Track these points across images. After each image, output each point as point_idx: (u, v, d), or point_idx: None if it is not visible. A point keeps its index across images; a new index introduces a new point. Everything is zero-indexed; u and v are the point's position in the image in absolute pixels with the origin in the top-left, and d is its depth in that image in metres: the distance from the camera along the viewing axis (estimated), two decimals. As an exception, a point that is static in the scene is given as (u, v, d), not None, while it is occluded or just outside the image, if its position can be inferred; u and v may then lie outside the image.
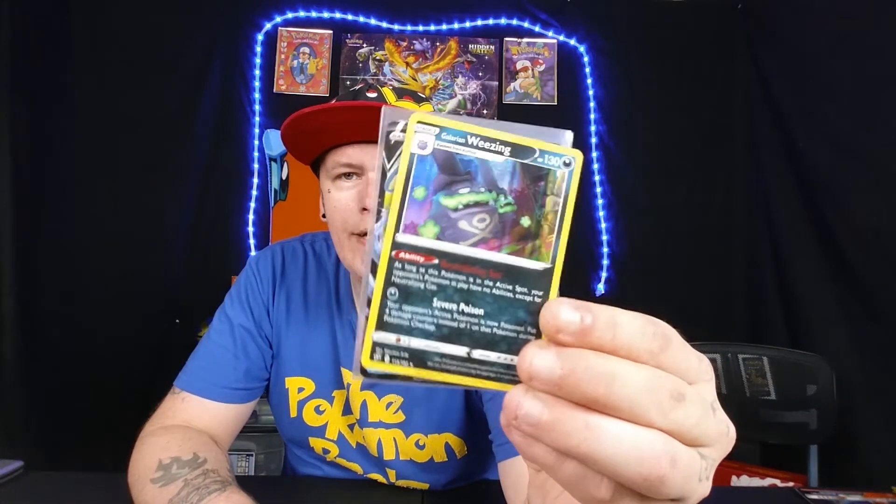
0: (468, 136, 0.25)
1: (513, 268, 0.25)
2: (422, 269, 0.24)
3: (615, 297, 2.23)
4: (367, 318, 0.24)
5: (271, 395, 0.89)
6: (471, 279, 0.24)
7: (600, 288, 2.25)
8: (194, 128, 2.16)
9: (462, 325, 0.24)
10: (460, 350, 0.24)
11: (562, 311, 0.22)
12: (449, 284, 0.24)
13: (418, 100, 0.80)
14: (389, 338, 0.24)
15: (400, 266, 0.24)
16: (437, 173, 0.25)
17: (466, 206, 0.25)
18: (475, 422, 0.83)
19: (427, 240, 0.24)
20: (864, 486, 0.94)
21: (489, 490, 0.87)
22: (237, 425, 0.83)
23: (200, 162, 2.18)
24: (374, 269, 0.25)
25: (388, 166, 0.25)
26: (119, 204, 2.03)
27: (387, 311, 0.24)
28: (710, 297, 2.23)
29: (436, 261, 0.24)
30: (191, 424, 0.77)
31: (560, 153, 0.25)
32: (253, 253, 2.20)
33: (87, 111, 2.00)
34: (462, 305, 0.24)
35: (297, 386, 0.85)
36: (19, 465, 0.85)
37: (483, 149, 0.25)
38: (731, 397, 1.69)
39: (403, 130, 0.25)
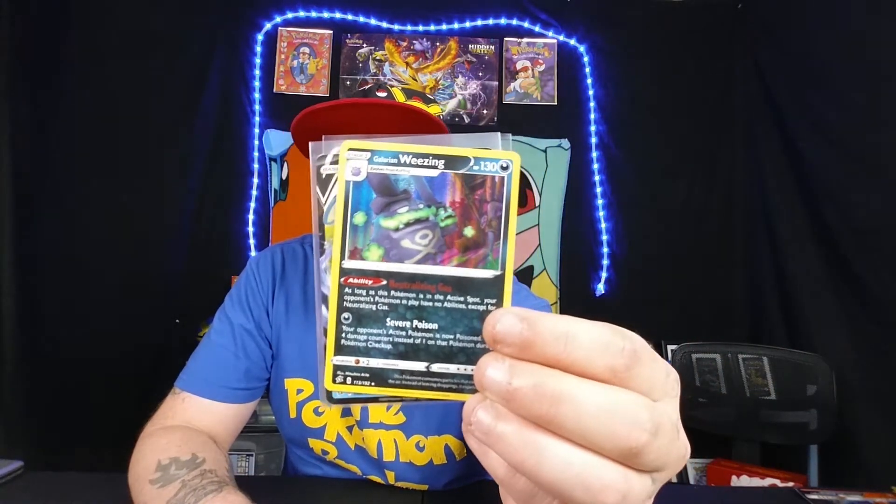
0: (400, 156, 0.25)
1: (461, 279, 0.25)
2: (371, 292, 0.25)
3: (615, 297, 2.23)
4: (324, 346, 0.25)
5: (271, 396, 0.89)
6: (421, 295, 0.25)
7: (600, 288, 2.25)
8: (194, 128, 2.16)
9: (418, 341, 0.25)
10: (419, 365, 0.25)
11: (502, 321, 0.21)
12: (400, 303, 0.25)
13: (426, 101, 0.80)
14: (348, 360, 0.25)
15: (350, 291, 0.25)
16: (374, 196, 0.25)
17: (407, 224, 0.25)
18: None
19: (373, 262, 0.25)
20: (864, 486, 0.94)
21: (489, 490, 0.87)
22: (238, 425, 0.83)
23: (200, 162, 2.18)
24: (324, 300, 0.25)
25: (324, 200, 0.26)
26: (119, 203, 2.03)
27: (343, 335, 0.25)
28: (710, 297, 2.23)
29: (384, 282, 0.25)
30: (191, 425, 0.77)
31: (496, 158, 0.25)
32: (253, 253, 2.20)
33: (87, 111, 1.99)
34: (415, 322, 0.25)
35: (297, 387, 0.85)
36: (19, 465, 0.85)
37: (416, 165, 0.25)
38: (731, 397, 1.69)
39: (333, 162, 0.25)
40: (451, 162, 0.25)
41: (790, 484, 1.55)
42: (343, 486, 0.88)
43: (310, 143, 0.26)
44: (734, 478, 1.65)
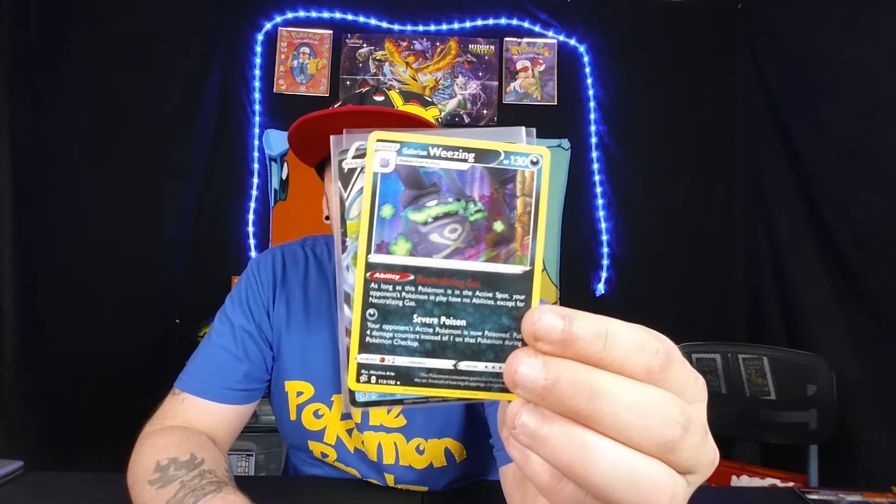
0: (429, 148, 0.24)
1: (491, 275, 0.24)
2: (398, 287, 0.24)
3: (615, 297, 2.23)
4: (348, 347, 0.24)
5: (272, 398, 0.89)
6: (449, 291, 0.24)
7: (600, 288, 2.25)
8: (194, 128, 2.16)
9: (445, 339, 0.24)
10: (446, 363, 0.24)
11: (543, 319, 0.21)
12: (427, 299, 0.24)
13: (425, 103, 0.80)
14: (373, 358, 0.24)
15: (376, 286, 0.24)
16: (403, 189, 0.24)
17: (436, 218, 0.24)
18: (475, 426, 0.83)
19: (400, 257, 0.24)
20: (864, 486, 0.94)
21: (489, 490, 0.87)
22: (238, 426, 0.83)
23: (200, 162, 2.18)
24: (347, 299, 0.25)
25: (346, 195, 0.25)
26: (119, 204, 2.03)
27: (368, 332, 0.24)
28: (709, 297, 2.23)
29: (411, 277, 0.24)
30: (190, 425, 0.77)
31: (526, 152, 0.25)
32: (253, 253, 2.20)
33: (87, 111, 1.99)
34: (443, 318, 0.24)
35: (297, 390, 0.85)
36: (19, 465, 0.85)
37: (446, 158, 0.24)
38: (731, 397, 1.69)
39: (355, 157, 0.25)
40: (482, 155, 0.24)
41: (790, 484, 1.55)
42: (343, 486, 0.88)
43: (331, 137, 0.25)
44: (734, 478, 1.65)
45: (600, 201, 2.27)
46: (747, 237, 2.22)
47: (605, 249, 2.26)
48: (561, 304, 2.34)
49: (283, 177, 2.23)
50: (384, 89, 0.78)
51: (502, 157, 0.25)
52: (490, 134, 0.25)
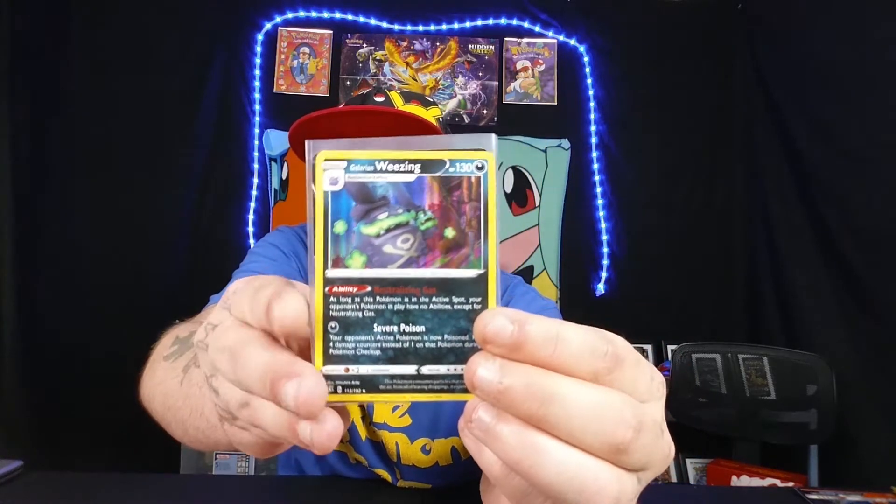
0: (376, 163, 0.25)
1: (445, 280, 0.25)
2: (356, 299, 0.25)
3: (615, 297, 2.23)
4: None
5: None
6: (406, 299, 0.25)
7: (600, 288, 2.25)
8: (194, 128, 2.16)
9: (406, 345, 0.25)
10: (409, 369, 0.25)
11: (493, 322, 0.22)
12: (386, 308, 0.25)
13: (426, 104, 0.80)
14: (338, 369, 0.25)
15: (335, 300, 0.25)
16: (353, 204, 0.25)
17: (388, 230, 0.25)
18: None
19: (356, 270, 0.25)
20: (864, 486, 0.94)
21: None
22: None
23: (200, 162, 2.18)
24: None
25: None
26: (119, 204, 2.03)
27: (330, 344, 0.25)
28: (709, 297, 2.23)
29: (369, 288, 0.25)
30: None
31: (470, 159, 0.25)
32: (253, 253, 2.20)
33: (87, 111, 2.00)
34: (402, 326, 0.25)
35: None
36: (19, 464, 0.85)
37: (393, 171, 0.25)
38: (731, 397, 1.69)
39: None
40: (427, 165, 0.25)
41: (790, 484, 1.55)
42: (343, 485, 0.88)
43: (305, 142, 0.26)
44: (734, 478, 1.65)
45: (600, 201, 2.27)
46: (747, 237, 2.22)
47: (605, 249, 2.26)
48: (561, 305, 2.33)
49: (283, 177, 2.23)
50: (385, 90, 0.78)
51: (447, 165, 0.25)
52: (460, 141, 0.26)
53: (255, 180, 2.22)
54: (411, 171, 0.25)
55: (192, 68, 2.17)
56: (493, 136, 0.26)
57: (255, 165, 2.23)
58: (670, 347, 2.03)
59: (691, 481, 1.92)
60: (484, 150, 0.25)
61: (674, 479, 1.95)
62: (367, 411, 0.84)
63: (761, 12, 2.19)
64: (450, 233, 0.25)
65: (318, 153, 0.25)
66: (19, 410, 1.69)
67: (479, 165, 0.25)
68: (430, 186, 0.25)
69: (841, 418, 1.56)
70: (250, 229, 2.21)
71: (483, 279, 0.25)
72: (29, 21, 1.78)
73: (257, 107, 2.23)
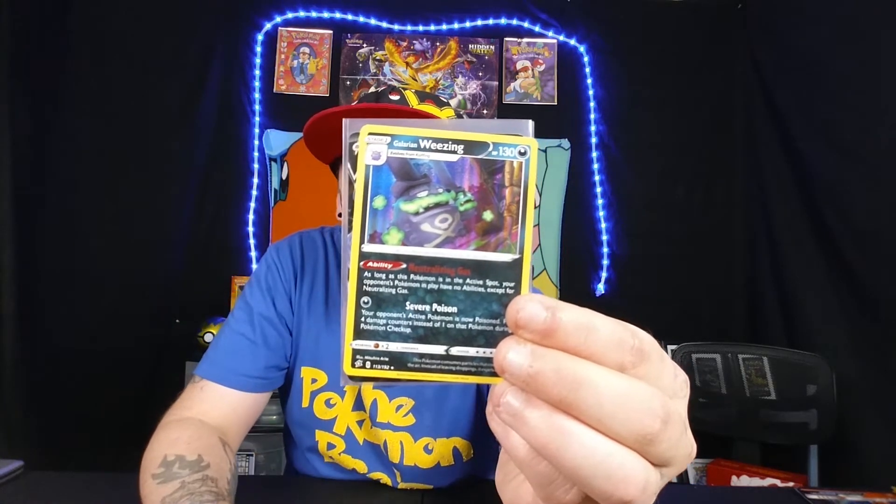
0: (420, 140, 0.25)
1: (481, 263, 0.25)
2: (391, 276, 0.25)
3: (615, 297, 2.23)
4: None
5: (286, 383, 0.88)
6: (440, 279, 0.25)
7: (600, 288, 2.25)
8: (194, 128, 2.16)
9: (437, 325, 0.25)
10: (438, 349, 0.25)
11: (527, 308, 0.22)
12: (419, 287, 0.25)
13: (440, 104, 0.81)
14: (368, 345, 0.25)
15: (369, 275, 0.25)
16: (394, 181, 0.25)
17: (427, 208, 0.25)
18: (485, 425, 0.83)
19: (392, 247, 0.25)
20: (864, 486, 0.94)
21: (489, 490, 0.87)
22: (252, 416, 0.82)
23: (200, 162, 2.18)
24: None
25: (355, 177, 0.26)
26: (119, 203, 2.03)
27: (362, 319, 0.25)
28: (709, 297, 2.23)
29: (403, 265, 0.25)
30: (207, 416, 0.76)
31: (514, 143, 0.25)
32: (253, 254, 2.20)
33: (88, 111, 1.99)
34: (435, 305, 0.25)
35: (311, 376, 0.85)
36: (19, 465, 0.85)
37: (436, 150, 0.25)
38: (731, 397, 1.69)
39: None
40: (470, 147, 0.25)
41: (790, 484, 1.55)
42: (343, 486, 0.88)
43: (343, 121, 0.26)
44: (734, 478, 1.65)
45: (600, 201, 2.27)
46: (747, 237, 2.22)
47: (605, 249, 2.26)
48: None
49: (283, 177, 2.23)
50: (400, 89, 0.79)
51: (491, 148, 0.25)
52: (495, 126, 0.26)
53: (255, 180, 2.22)
54: (454, 152, 0.25)
55: (193, 68, 2.17)
56: (530, 123, 0.26)
57: (255, 165, 2.23)
58: (670, 347, 2.03)
59: (691, 481, 1.91)
60: (529, 137, 0.25)
61: (674, 479, 1.94)
62: (370, 413, 0.84)
63: (761, 12, 2.19)
64: (488, 216, 0.25)
65: (362, 127, 0.25)
66: (19, 410, 1.69)
67: (522, 151, 0.25)
68: (472, 168, 0.25)
69: (841, 418, 1.56)
70: (250, 229, 2.21)
71: (518, 264, 0.25)
72: (29, 20, 1.78)
73: (257, 107, 2.23)
